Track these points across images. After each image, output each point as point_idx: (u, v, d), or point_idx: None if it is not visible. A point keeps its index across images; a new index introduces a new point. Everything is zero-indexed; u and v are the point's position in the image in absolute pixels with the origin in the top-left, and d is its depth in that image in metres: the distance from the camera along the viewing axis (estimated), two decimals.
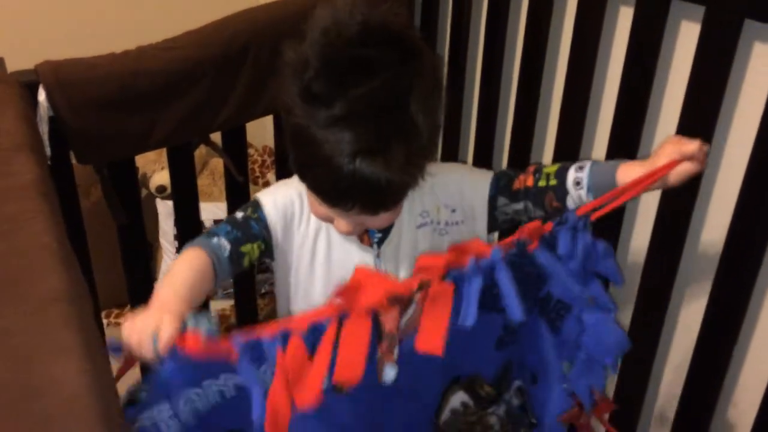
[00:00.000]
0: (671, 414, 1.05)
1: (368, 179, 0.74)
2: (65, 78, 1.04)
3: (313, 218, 0.92)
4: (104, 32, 1.47)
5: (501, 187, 0.91)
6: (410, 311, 0.69)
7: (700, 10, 0.87)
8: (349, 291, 0.69)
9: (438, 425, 0.86)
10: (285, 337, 0.67)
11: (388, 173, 0.74)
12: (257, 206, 0.92)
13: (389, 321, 0.69)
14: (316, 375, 0.66)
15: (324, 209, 0.84)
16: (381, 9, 0.76)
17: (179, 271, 0.82)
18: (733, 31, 0.84)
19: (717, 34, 0.86)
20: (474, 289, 0.71)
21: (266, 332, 0.67)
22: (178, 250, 1.54)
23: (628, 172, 0.80)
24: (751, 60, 0.86)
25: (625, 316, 1.07)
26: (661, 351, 1.07)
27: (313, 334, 0.68)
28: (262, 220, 0.91)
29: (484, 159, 1.29)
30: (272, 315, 1.74)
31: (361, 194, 0.77)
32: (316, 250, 0.92)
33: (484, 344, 0.81)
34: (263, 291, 1.77)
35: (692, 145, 0.78)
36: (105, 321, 1.70)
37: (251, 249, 0.90)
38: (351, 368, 0.66)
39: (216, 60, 1.14)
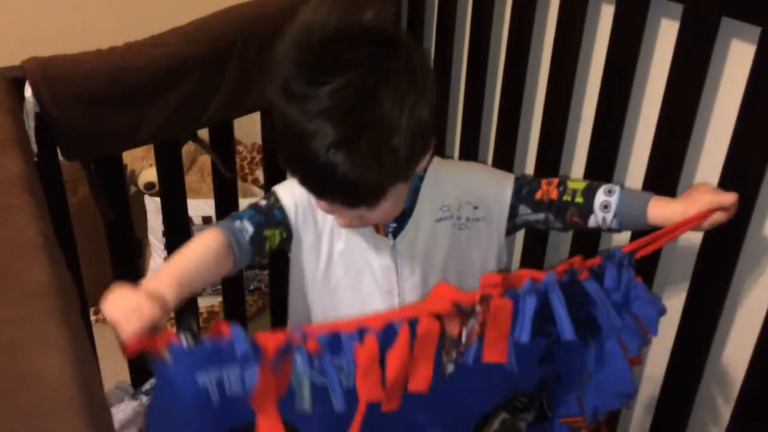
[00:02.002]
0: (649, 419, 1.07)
1: (341, 173, 0.75)
2: (52, 74, 1.05)
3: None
4: (91, 29, 1.47)
5: (523, 196, 0.92)
6: (471, 323, 0.74)
7: (679, 8, 0.88)
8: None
9: None
10: (361, 334, 0.71)
11: (360, 167, 0.75)
12: (277, 198, 0.93)
13: (452, 327, 0.74)
14: (395, 369, 0.71)
15: (322, 203, 0.85)
16: (362, 8, 0.77)
17: (189, 247, 0.84)
18: (711, 29, 0.86)
19: (695, 32, 0.87)
20: (529, 307, 0.75)
21: (343, 327, 0.71)
22: (167, 246, 1.54)
23: (661, 210, 0.84)
24: (729, 57, 0.87)
25: None
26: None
27: (385, 333, 0.72)
28: (283, 210, 0.93)
29: (470, 153, 1.30)
30: (260, 312, 1.75)
31: (338, 188, 0.78)
32: (333, 239, 0.93)
33: (529, 363, 0.84)
34: (252, 287, 1.77)
35: (730, 198, 0.82)
36: (93, 318, 1.70)
37: (273, 234, 0.92)
38: (424, 371, 0.73)
39: (202, 56, 1.14)
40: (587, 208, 0.88)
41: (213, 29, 1.16)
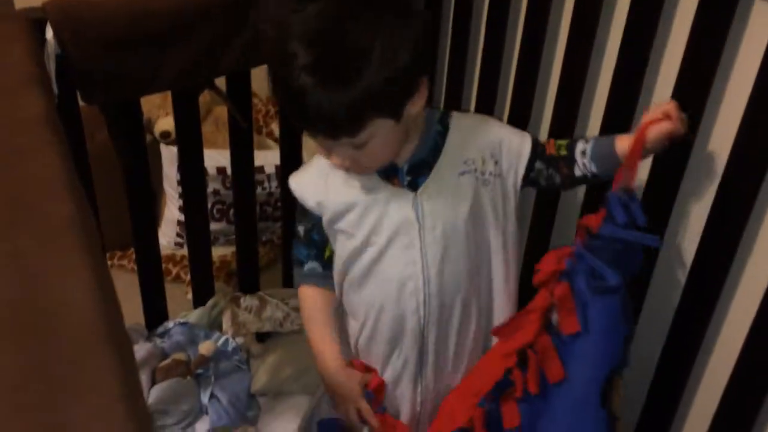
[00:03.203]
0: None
1: (312, 97, 0.78)
2: (73, 16, 1.05)
3: (343, 180, 0.95)
4: None
5: (539, 152, 0.97)
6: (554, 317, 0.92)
7: None
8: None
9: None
10: None
11: (327, 90, 0.78)
12: (305, 212, 0.99)
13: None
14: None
15: (319, 146, 0.88)
16: None
17: (319, 321, 1.02)
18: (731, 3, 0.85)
19: (714, 4, 0.87)
20: (587, 265, 0.89)
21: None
22: (182, 195, 1.56)
23: (623, 140, 0.92)
24: (747, 32, 0.87)
25: None
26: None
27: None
28: (316, 224, 0.99)
29: (486, 107, 1.30)
30: (272, 263, 1.77)
31: (314, 115, 0.81)
32: (355, 203, 0.94)
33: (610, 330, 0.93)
34: (264, 239, 1.80)
35: (667, 104, 0.87)
36: (109, 263, 1.74)
37: (329, 249, 1.01)
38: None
39: (223, 2, 1.14)
40: (571, 158, 0.96)
41: None
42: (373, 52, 0.78)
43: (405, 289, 0.94)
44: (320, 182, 0.96)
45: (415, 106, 0.87)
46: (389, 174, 0.94)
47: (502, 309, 1.00)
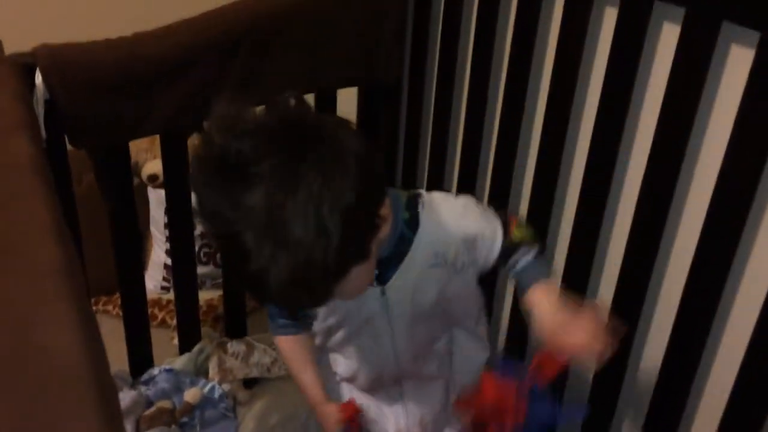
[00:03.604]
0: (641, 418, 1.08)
1: (276, 293, 0.74)
2: (62, 61, 1.06)
3: None
4: (102, 18, 1.48)
5: (503, 250, 0.94)
6: None
7: (681, 12, 0.90)
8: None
9: None
10: None
11: (289, 290, 0.72)
12: None
13: None
14: None
15: None
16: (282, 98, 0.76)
17: (298, 367, 1.04)
18: (712, 33, 0.87)
19: (696, 36, 0.89)
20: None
21: None
22: (169, 238, 1.55)
23: (535, 307, 0.90)
24: (728, 61, 0.89)
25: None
26: (634, 356, 1.10)
27: None
28: None
29: (470, 160, 1.32)
30: (260, 307, 1.75)
31: (285, 302, 0.85)
32: None
33: None
34: None
35: (598, 348, 0.81)
36: (94, 308, 1.71)
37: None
38: None
39: (211, 48, 1.16)
40: (512, 251, 0.94)
41: (222, 22, 1.17)
42: (324, 235, 0.70)
43: (379, 358, 0.99)
44: None
45: (382, 233, 0.82)
46: None
47: (473, 330, 1.06)
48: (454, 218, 0.92)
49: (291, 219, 0.69)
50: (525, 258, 0.94)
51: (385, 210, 0.81)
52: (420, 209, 0.90)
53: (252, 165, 0.70)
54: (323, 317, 0.96)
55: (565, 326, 0.83)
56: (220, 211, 0.72)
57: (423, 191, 0.93)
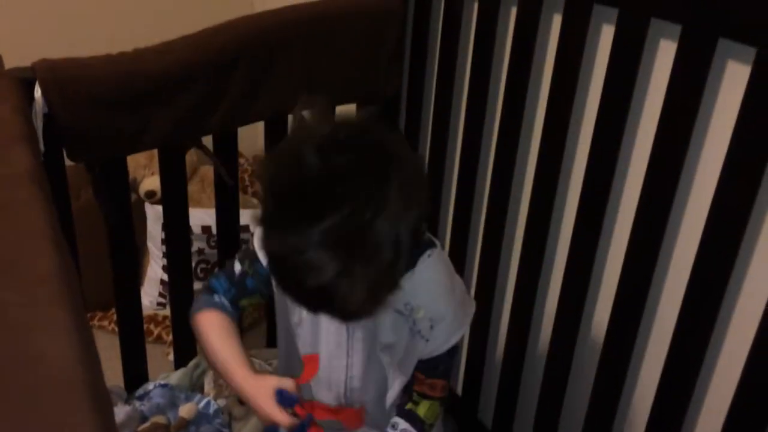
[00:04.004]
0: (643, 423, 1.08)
1: (339, 302, 0.77)
2: (61, 76, 1.07)
3: None
4: (102, 33, 1.50)
5: (418, 365, 0.97)
6: None
7: (677, 29, 0.91)
8: None
9: None
10: None
11: (358, 296, 0.76)
12: (254, 259, 0.97)
13: None
14: None
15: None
16: (355, 119, 0.80)
17: (223, 345, 0.96)
18: (709, 49, 0.88)
19: (693, 52, 0.90)
20: None
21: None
22: (166, 254, 1.55)
23: None
24: (725, 77, 0.90)
25: (603, 319, 1.10)
26: (635, 360, 1.09)
27: None
28: (260, 274, 0.97)
29: (468, 174, 1.32)
30: (256, 323, 1.75)
31: (335, 312, 0.81)
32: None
33: None
34: None
35: None
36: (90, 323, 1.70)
37: (249, 301, 1.01)
38: None
39: (210, 64, 1.17)
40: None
41: (221, 39, 1.18)
42: (398, 248, 0.76)
43: (330, 373, 0.99)
44: None
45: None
46: None
47: None
48: (443, 285, 0.95)
49: (374, 237, 0.74)
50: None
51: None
52: (425, 256, 0.91)
53: (339, 184, 0.73)
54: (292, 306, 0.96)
55: None
56: (294, 226, 0.74)
57: (438, 243, 0.95)
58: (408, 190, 0.76)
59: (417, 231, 0.80)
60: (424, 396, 0.98)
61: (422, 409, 0.98)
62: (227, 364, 0.94)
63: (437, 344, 0.95)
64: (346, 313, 0.82)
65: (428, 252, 0.92)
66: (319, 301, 0.79)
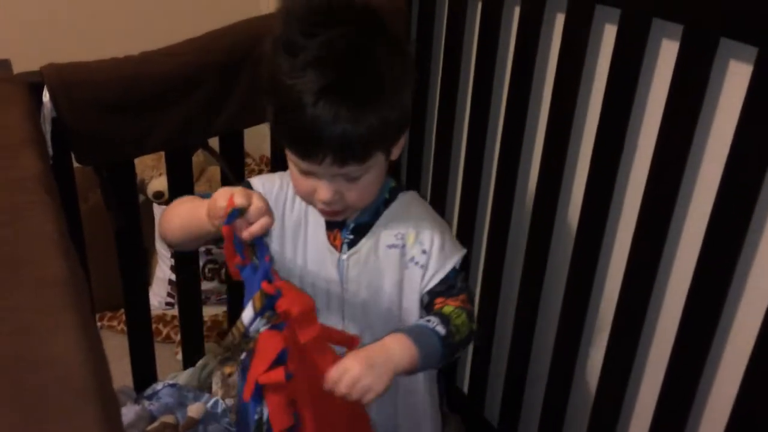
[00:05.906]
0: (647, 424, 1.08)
1: (332, 118, 0.78)
2: (69, 80, 1.08)
3: (294, 210, 0.96)
4: (108, 37, 1.51)
5: (433, 293, 0.94)
6: None
7: (680, 29, 0.91)
8: None
9: None
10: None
11: (351, 113, 0.78)
12: (247, 185, 0.98)
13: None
14: None
15: (303, 180, 0.86)
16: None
17: (184, 198, 0.94)
18: (710, 49, 0.88)
19: (695, 52, 0.90)
20: None
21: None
22: (174, 255, 1.56)
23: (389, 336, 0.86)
24: (726, 77, 0.90)
25: (606, 324, 1.10)
26: (639, 358, 1.10)
27: None
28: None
29: (472, 182, 1.33)
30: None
31: (328, 139, 0.79)
32: (297, 242, 0.96)
33: None
34: None
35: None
36: (99, 324, 1.72)
37: None
38: None
39: (216, 67, 1.17)
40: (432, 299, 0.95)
41: (226, 41, 1.19)
42: (387, 82, 0.81)
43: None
44: (277, 204, 0.95)
45: (398, 149, 0.90)
46: (333, 227, 0.95)
47: None
48: (427, 213, 0.98)
49: (374, 64, 0.81)
50: (433, 319, 0.90)
51: (402, 142, 0.90)
52: (404, 193, 0.97)
53: (342, 12, 0.82)
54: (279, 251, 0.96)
55: (345, 362, 0.81)
56: (295, 42, 0.80)
57: (412, 192, 1.00)
58: (400, 50, 0.85)
59: (406, 103, 0.85)
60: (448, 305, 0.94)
61: (448, 309, 0.92)
62: (191, 202, 0.90)
63: (435, 268, 0.94)
64: (336, 143, 0.79)
65: (408, 192, 0.97)
66: (311, 130, 0.79)
